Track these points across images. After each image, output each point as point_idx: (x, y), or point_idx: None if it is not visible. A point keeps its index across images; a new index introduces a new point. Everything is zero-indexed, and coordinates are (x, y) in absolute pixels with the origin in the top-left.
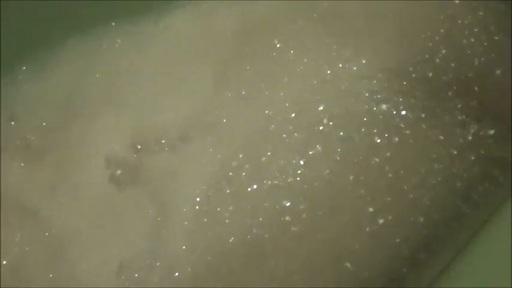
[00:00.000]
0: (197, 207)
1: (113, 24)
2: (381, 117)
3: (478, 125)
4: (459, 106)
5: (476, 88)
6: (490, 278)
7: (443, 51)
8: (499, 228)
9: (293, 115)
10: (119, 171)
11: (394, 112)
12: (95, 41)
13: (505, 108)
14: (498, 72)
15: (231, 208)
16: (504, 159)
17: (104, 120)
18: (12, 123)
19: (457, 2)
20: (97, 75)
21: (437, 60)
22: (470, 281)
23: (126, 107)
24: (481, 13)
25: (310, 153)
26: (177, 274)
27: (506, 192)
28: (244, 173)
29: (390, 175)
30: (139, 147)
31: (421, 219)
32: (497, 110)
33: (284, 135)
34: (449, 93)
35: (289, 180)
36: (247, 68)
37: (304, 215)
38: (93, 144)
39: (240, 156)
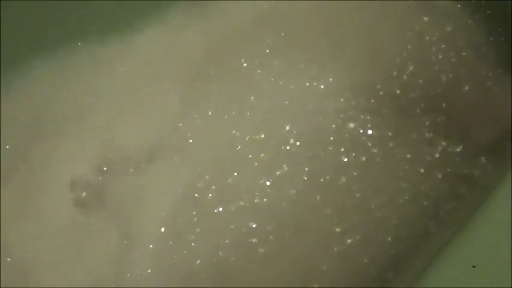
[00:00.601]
0: (163, 229)
1: (79, 44)
2: (348, 135)
3: (446, 142)
4: (427, 123)
5: (444, 104)
6: None
7: (411, 67)
8: (464, 246)
9: (260, 135)
10: (84, 194)
11: (361, 131)
12: (61, 62)
13: (473, 124)
14: (466, 88)
15: (197, 230)
16: (471, 177)
17: (69, 141)
18: None
19: (426, 19)
20: (63, 96)
21: (405, 77)
22: None
23: (92, 128)
24: (449, 29)
25: (277, 173)
26: None
27: (472, 207)
28: (210, 195)
29: (358, 194)
30: (105, 168)
31: (389, 239)
32: (465, 127)
33: (251, 156)
34: (417, 110)
35: (255, 201)
36: (214, 88)
37: (271, 237)
38: (58, 167)
39: (207, 177)
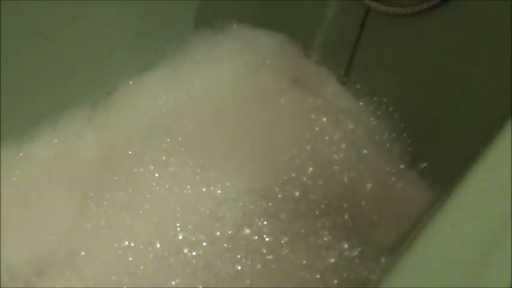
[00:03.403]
0: None
1: None
2: (243, 242)
3: (345, 244)
4: (327, 225)
5: (345, 205)
6: None
7: (311, 169)
8: None
9: (153, 245)
10: None
11: (256, 237)
12: None
13: (374, 223)
14: (368, 186)
15: None
16: (367, 280)
17: None
18: None
19: (325, 119)
20: None
21: (304, 178)
22: None
23: None
24: (350, 127)
25: (172, 283)
26: None
27: None
28: None
29: None
30: None
31: None
32: (367, 226)
33: (142, 267)
34: (317, 212)
35: None
36: (108, 196)
37: None
38: None
39: None
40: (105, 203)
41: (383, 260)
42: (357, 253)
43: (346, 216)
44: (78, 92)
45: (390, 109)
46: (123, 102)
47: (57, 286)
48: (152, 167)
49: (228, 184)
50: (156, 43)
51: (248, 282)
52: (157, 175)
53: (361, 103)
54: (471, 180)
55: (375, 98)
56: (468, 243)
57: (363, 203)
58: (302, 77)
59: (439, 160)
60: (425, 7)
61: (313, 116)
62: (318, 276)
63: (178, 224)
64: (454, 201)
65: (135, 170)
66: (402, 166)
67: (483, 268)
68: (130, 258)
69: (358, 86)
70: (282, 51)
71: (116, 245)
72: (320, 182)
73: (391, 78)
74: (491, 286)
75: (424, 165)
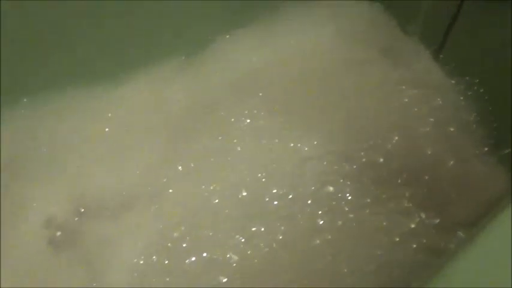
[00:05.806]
0: (135, 274)
1: (68, 88)
2: (326, 199)
3: (424, 214)
4: (407, 194)
5: (426, 177)
6: None
7: (396, 138)
8: None
9: (238, 191)
10: (58, 233)
11: (340, 195)
12: (47, 103)
13: (453, 199)
14: (451, 163)
15: (167, 279)
16: (443, 250)
17: (48, 182)
18: None
19: (415, 91)
20: (48, 138)
21: (389, 146)
22: None
23: (72, 171)
24: (439, 103)
25: (253, 229)
26: None
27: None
28: (184, 245)
29: (329, 258)
30: (82, 210)
31: None
32: (445, 201)
33: (227, 210)
34: (398, 181)
35: (228, 255)
36: (198, 141)
37: None
38: (35, 206)
39: (182, 228)
40: (194, 147)
41: (460, 233)
42: (436, 222)
43: (426, 189)
44: (174, 42)
45: (481, 91)
46: (216, 55)
47: (142, 219)
48: (243, 118)
49: (314, 143)
50: (254, 2)
51: (329, 237)
52: (247, 126)
53: (452, 81)
54: None
55: (467, 78)
56: None
57: (443, 178)
58: (394, 49)
59: None
60: None
61: (403, 87)
62: (397, 239)
63: (264, 174)
64: None
65: (226, 120)
66: (486, 149)
67: None
68: (216, 201)
69: (451, 64)
70: (375, 21)
71: (203, 187)
72: (404, 152)
73: (484, 60)
74: None
75: (506, 151)
